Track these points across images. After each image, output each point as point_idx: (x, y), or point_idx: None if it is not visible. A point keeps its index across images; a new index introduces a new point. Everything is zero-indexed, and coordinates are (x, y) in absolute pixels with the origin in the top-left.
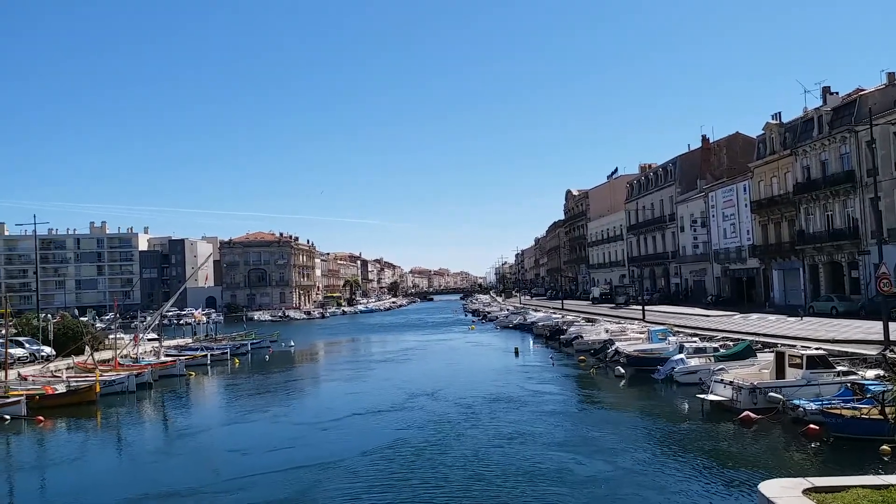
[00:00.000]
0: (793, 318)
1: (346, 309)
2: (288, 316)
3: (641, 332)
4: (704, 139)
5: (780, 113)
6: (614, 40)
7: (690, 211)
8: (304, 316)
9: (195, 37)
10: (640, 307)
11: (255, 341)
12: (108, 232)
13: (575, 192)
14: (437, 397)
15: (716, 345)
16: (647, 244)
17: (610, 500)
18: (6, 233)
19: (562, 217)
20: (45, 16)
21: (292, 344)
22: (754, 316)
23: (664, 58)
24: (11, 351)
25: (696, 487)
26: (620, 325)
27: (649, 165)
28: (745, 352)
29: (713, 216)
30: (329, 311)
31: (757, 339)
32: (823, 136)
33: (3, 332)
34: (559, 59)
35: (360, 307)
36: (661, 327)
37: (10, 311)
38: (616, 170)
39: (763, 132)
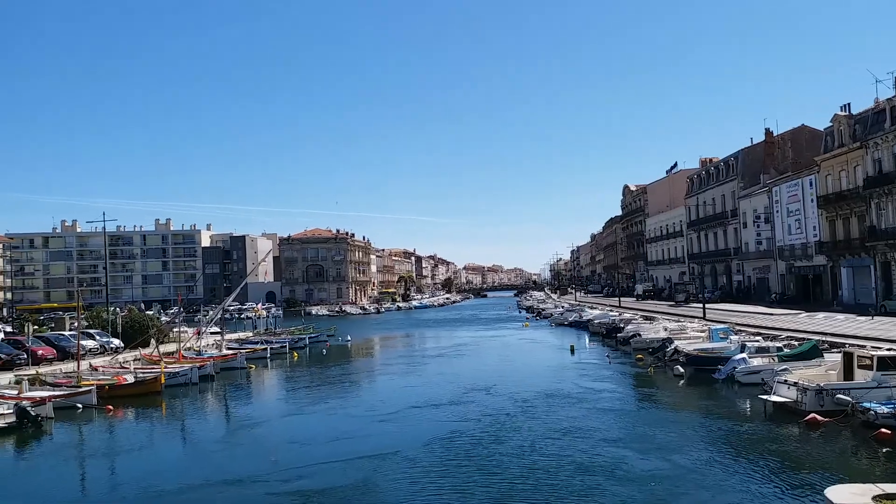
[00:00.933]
0: (863, 318)
1: (400, 305)
2: (344, 311)
3: (702, 331)
4: (768, 132)
5: (849, 104)
6: (674, 33)
7: (753, 206)
8: (360, 311)
9: (254, 33)
10: (701, 305)
11: (312, 335)
12: (172, 229)
13: (633, 188)
14: (492, 392)
15: (779, 344)
16: (707, 240)
17: (669, 499)
18: (78, 230)
19: (619, 213)
20: (108, 9)
21: (349, 338)
22: (821, 315)
23: (726, 49)
24: (83, 343)
25: (759, 490)
26: (680, 324)
27: (710, 159)
28: (811, 352)
29: (777, 211)
30: (384, 306)
31: (823, 338)
32: None
33: (77, 324)
34: (617, 52)
35: (415, 303)
36: (723, 326)
37: (82, 304)
38: (675, 164)
39: (831, 124)
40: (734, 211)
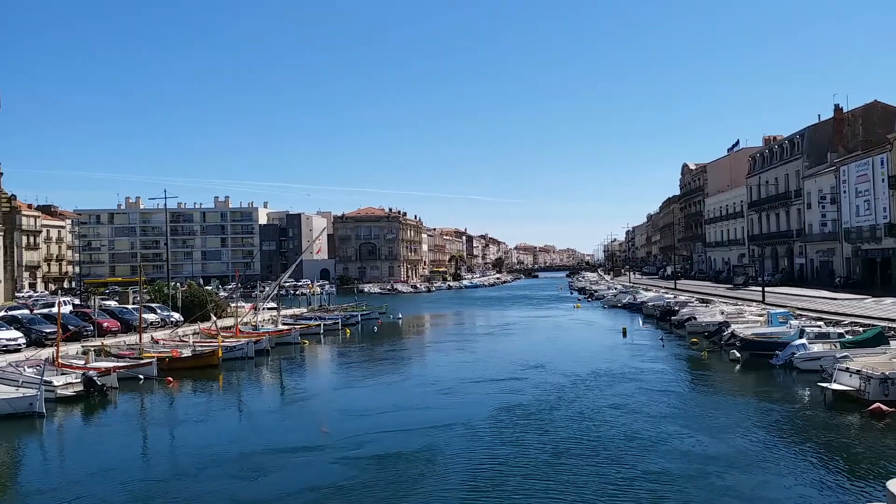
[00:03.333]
0: None
1: (451, 284)
2: (396, 289)
3: (760, 315)
4: (837, 109)
5: None
6: (741, 8)
7: (819, 186)
8: (411, 289)
9: (313, 20)
10: (760, 288)
11: (364, 312)
12: (230, 206)
13: (692, 166)
14: (543, 370)
15: (842, 330)
16: (769, 222)
17: (723, 482)
18: (141, 206)
19: (677, 192)
20: None
21: (400, 316)
22: (889, 300)
23: (793, 24)
24: (145, 316)
25: (816, 478)
26: (737, 307)
27: (774, 138)
28: (877, 339)
29: (844, 192)
30: (435, 285)
31: (890, 325)
32: None
33: (139, 298)
34: (680, 30)
35: (465, 282)
36: (783, 310)
37: (145, 279)
38: (737, 142)
39: None
40: (798, 191)
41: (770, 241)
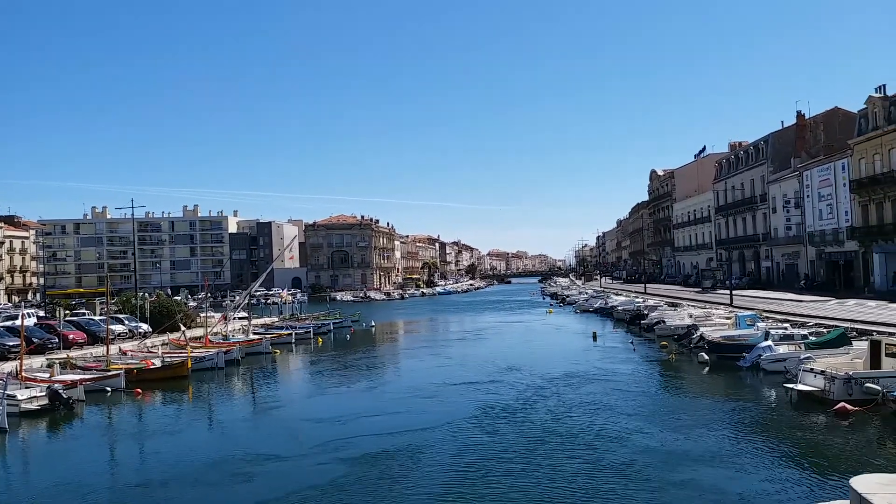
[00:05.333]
0: (895, 305)
1: (424, 290)
2: (369, 297)
3: (728, 318)
4: (800, 115)
5: (884, 86)
6: (705, 16)
7: (783, 191)
8: (384, 297)
9: (277, 27)
10: (728, 292)
11: (337, 321)
12: (199, 215)
13: (660, 172)
14: (516, 373)
15: (806, 332)
16: (736, 226)
17: (689, 478)
18: (108, 216)
19: (645, 198)
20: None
21: (373, 323)
22: (851, 302)
23: (757, 32)
24: (112, 327)
25: (782, 477)
26: (706, 311)
27: (739, 143)
28: (839, 340)
29: (808, 196)
30: (408, 292)
31: (853, 326)
32: None
33: (106, 309)
34: (646, 37)
35: (439, 289)
36: (750, 313)
37: (112, 289)
38: (704, 148)
39: (865, 106)
40: (763, 196)
41: (737, 244)
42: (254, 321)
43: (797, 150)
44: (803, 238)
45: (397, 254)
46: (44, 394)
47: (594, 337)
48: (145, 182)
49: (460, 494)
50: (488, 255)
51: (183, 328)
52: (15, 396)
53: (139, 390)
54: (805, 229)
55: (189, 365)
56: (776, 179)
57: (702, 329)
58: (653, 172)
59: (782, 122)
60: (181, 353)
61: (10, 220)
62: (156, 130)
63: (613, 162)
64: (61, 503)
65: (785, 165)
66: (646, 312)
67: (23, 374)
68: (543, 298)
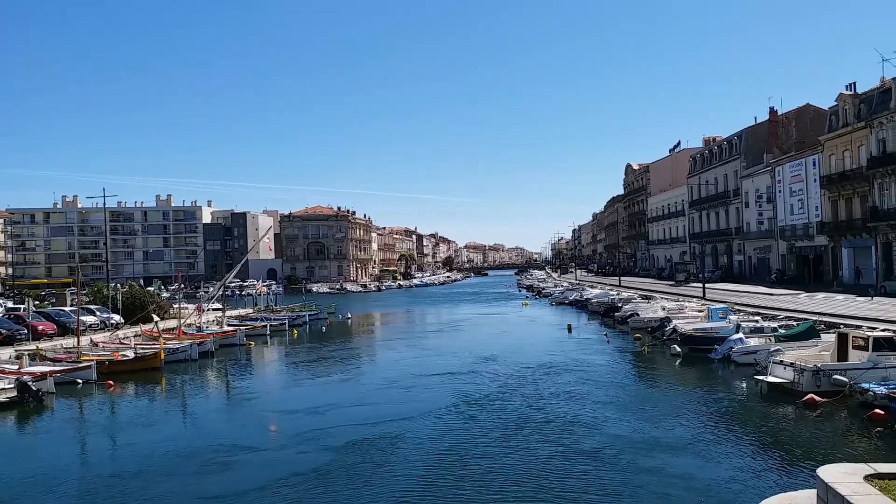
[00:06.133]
0: (862, 298)
1: (401, 283)
2: (345, 289)
3: (700, 311)
4: (772, 111)
5: (854, 83)
6: (679, 12)
7: (756, 186)
8: (361, 289)
9: (256, 15)
10: (701, 285)
11: (312, 313)
12: (173, 205)
13: (635, 166)
14: (491, 364)
15: (776, 324)
16: (709, 220)
17: (662, 468)
18: (79, 205)
19: (621, 192)
20: None
21: (349, 315)
22: (821, 295)
23: (730, 28)
24: (83, 318)
25: (751, 467)
26: (678, 303)
27: (713, 139)
28: (808, 332)
29: (780, 191)
30: (385, 284)
31: (821, 319)
32: None
33: (77, 300)
34: (621, 32)
35: (416, 281)
36: (722, 305)
37: (83, 280)
38: (678, 143)
39: (836, 104)
40: (736, 191)
41: (710, 238)
42: (228, 313)
43: (770, 145)
44: (775, 232)
45: (374, 245)
46: (12, 386)
47: (569, 329)
48: (118, 171)
49: (440, 475)
50: (465, 247)
51: (156, 319)
52: None
53: (111, 382)
54: (777, 224)
55: (162, 356)
56: (749, 174)
57: (675, 321)
58: (628, 167)
59: (755, 117)
60: (154, 344)
61: None
62: (128, 119)
63: (590, 156)
64: (31, 497)
65: (758, 161)
66: (620, 305)
67: None
68: (520, 291)
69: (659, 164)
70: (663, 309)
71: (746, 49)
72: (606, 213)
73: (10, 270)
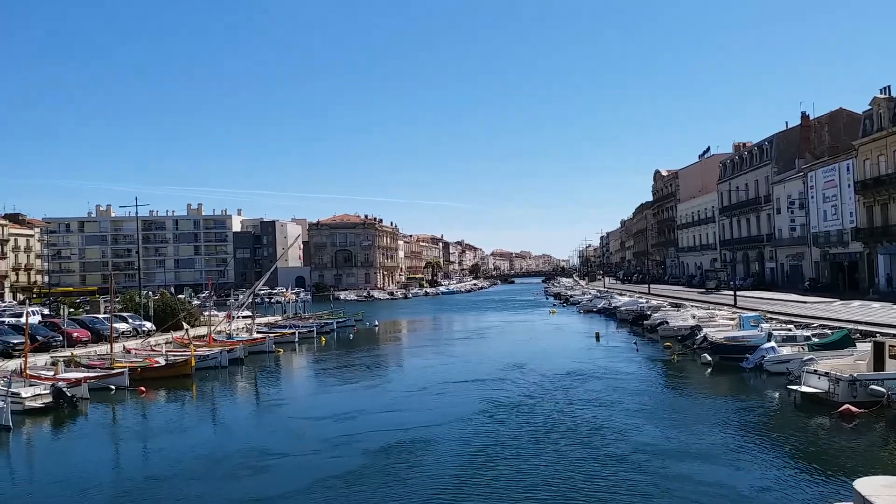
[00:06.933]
0: None
1: (427, 290)
2: (372, 296)
3: (731, 319)
4: (804, 116)
5: (888, 87)
6: (709, 14)
7: (788, 192)
8: (388, 296)
9: (280, 24)
10: (732, 292)
11: (340, 320)
12: (203, 214)
13: (664, 173)
14: (519, 372)
15: (809, 333)
16: (740, 227)
17: (693, 476)
18: (112, 214)
19: (649, 198)
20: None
21: (376, 323)
22: (856, 303)
23: (761, 32)
24: (116, 325)
25: (784, 477)
26: (709, 311)
27: (744, 144)
28: (843, 341)
29: (812, 197)
30: (411, 291)
31: (857, 327)
32: None
33: (110, 308)
34: (649, 35)
35: (442, 289)
36: (754, 314)
37: (116, 288)
38: (708, 149)
39: (870, 107)
40: (767, 197)
41: (741, 245)
42: (257, 320)
43: (802, 150)
44: (808, 239)
45: (401, 253)
46: (48, 392)
47: (597, 337)
48: (149, 181)
49: (473, 475)
50: (492, 254)
51: (187, 327)
52: (19, 394)
53: (143, 388)
54: (809, 230)
55: (193, 363)
56: (780, 180)
57: (705, 330)
58: (657, 173)
59: (787, 122)
60: (185, 351)
61: (15, 218)
62: (160, 129)
63: (618, 163)
64: (65, 500)
65: (789, 166)
66: (649, 313)
67: (27, 371)
68: (547, 298)
69: (688, 170)
70: (693, 317)
71: (778, 53)
72: (635, 220)
73: (47, 278)
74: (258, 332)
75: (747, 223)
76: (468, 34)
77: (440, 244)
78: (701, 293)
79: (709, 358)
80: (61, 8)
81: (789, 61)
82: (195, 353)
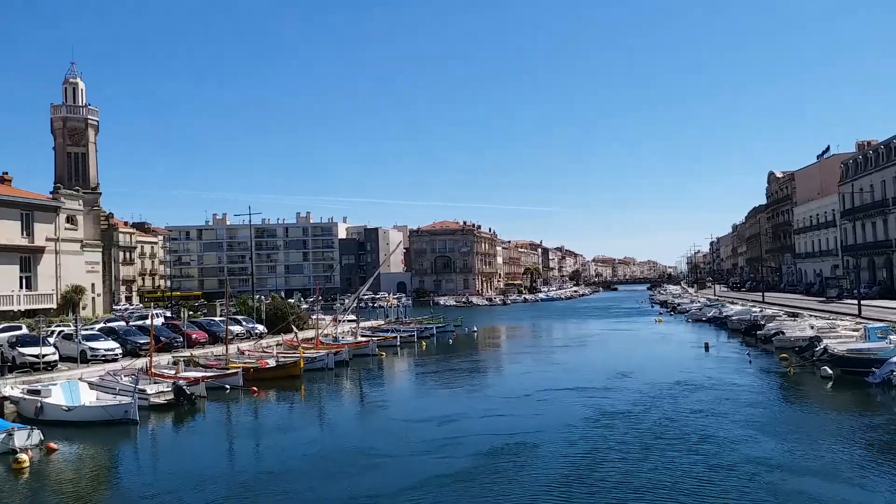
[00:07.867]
0: None
1: (526, 296)
2: (471, 302)
3: (855, 330)
4: None
5: None
6: (824, 13)
7: None
8: (486, 302)
9: (390, 36)
10: (856, 301)
11: (440, 325)
12: (311, 221)
13: (779, 174)
14: (624, 380)
15: None
16: (864, 231)
17: (810, 493)
18: (227, 223)
19: (763, 201)
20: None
21: (475, 329)
22: None
23: (884, 20)
24: (231, 328)
25: None
26: (829, 322)
27: (868, 143)
28: None
29: None
30: (510, 298)
31: None
32: None
33: (225, 311)
34: (761, 27)
35: (541, 295)
36: (881, 324)
37: (231, 292)
38: (828, 148)
39: None
40: (895, 199)
41: (866, 251)
42: (361, 324)
43: None
44: None
45: (499, 259)
46: (170, 389)
47: (706, 347)
48: (263, 190)
49: (580, 477)
50: (593, 261)
51: (296, 330)
52: (145, 391)
53: (255, 388)
54: None
55: (302, 365)
56: None
57: (826, 341)
58: (771, 174)
59: None
60: (294, 353)
61: (142, 227)
62: (271, 142)
63: (727, 164)
64: (185, 490)
65: None
66: (763, 323)
67: (152, 370)
68: (652, 306)
69: (805, 171)
70: (812, 327)
71: None
72: (747, 225)
73: (169, 283)
74: (362, 336)
75: (872, 227)
76: (574, 36)
77: (539, 250)
78: (821, 302)
79: (829, 371)
80: (200, 13)
81: None
82: (304, 355)
